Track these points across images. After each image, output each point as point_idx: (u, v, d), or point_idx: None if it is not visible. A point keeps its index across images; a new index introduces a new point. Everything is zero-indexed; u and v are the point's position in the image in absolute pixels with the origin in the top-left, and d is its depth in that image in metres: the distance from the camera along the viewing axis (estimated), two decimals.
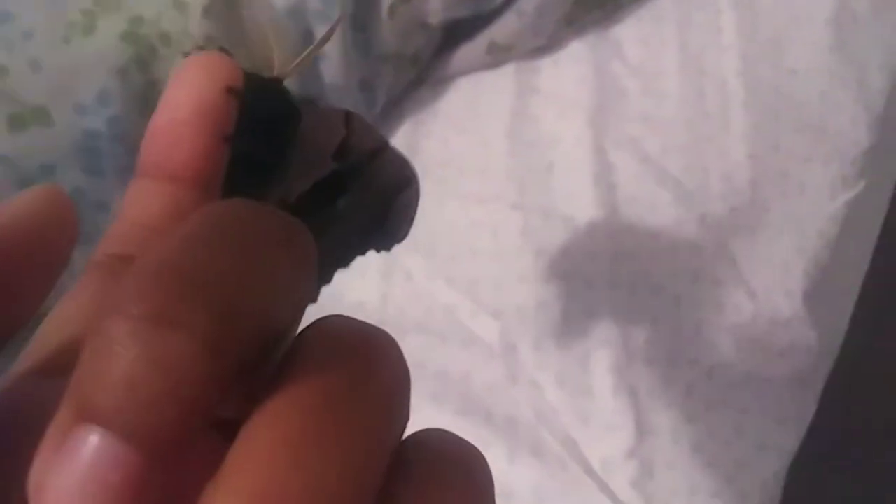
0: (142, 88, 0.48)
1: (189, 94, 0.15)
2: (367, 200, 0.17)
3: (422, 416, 0.50)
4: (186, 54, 0.16)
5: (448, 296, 0.54)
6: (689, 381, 0.54)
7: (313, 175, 0.16)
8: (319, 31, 0.54)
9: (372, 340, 0.14)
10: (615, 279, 0.55)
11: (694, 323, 0.55)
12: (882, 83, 0.68)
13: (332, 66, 0.56)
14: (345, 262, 0.17)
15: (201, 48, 0.16)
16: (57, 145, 0.46)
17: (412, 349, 0.52)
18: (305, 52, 0.20)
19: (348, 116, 0.17)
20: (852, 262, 0.67)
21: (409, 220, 0.18)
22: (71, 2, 0.49)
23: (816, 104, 0.67)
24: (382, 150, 0.17)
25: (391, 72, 0.61)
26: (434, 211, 0.58)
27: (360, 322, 0.14)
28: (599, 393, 0.51)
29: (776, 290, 0.58)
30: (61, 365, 0.14)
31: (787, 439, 0.56)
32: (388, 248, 0.18)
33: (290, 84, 0.19)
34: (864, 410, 0.96)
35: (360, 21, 0.56)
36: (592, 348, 0.52)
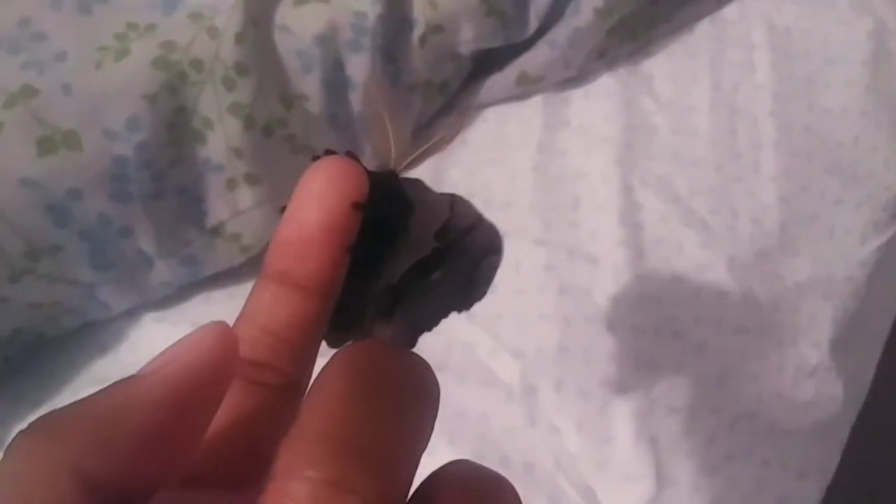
0: (171, 115, 0.48)
1: (318, 210, 0.16)
2: (459, 268, 0.18)
3: (437, 458, 0.50)
4: (315, 158, 0.16)
5: (469, 332, 0.54)
6: (712, 431, 0.53)
7: (415, 256, 0.17)
8: (350, 62, 0.54)
9: (499, 492, 0.16)
10: (638, 323, 0.54)
11: (718, 371, 0.54)
12: None
13: (362, 95, 0.55)
14: (431, 325, 0.18)
15: (329, 152, 0.16)
16: (85, 170, 0.46)
17: None
18: (424, 147, 0.21)
19: (453, 200, 0.18)
20: (880, 309, 0.65)
21: (488, 283, 0.19)
22: (104, 26, 0.49)
23: (849, 146, 0.66)
24: (478, 223, 0.18)
25: (420, 100, 0.60)
26: None
27: (486, 470, 0.16)
28: (619, 440, 0.50)
29: (802, 339, 0.57)
30: (207, 476, 0.16)
31: (809, 493, 0.55)
32: (468, 308, 0.19)
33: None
34: (886, 460, 0.94)
35: (391, 51, 0.56)
36: (613, 394, 0.51)
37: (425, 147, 0.18)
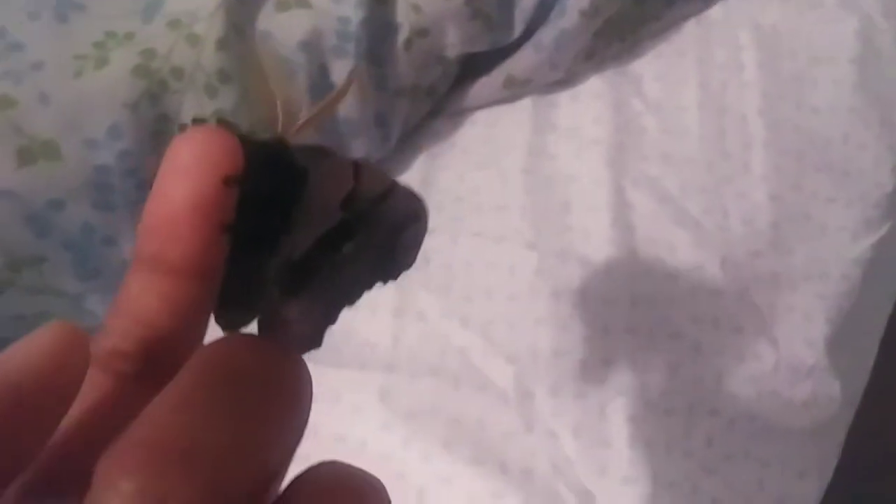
0: (153, 123, 0.47)
1: (184, 186, 0.14)
2: (374, 240, 0.17)
3: (434, 466, 0.49)
4: (182, 127, 0.15)
5: (462, 337, 0.53)
6: (709, 432, 0.52)
7: (318, 228, 0.16)
8: (335, 67, 0.53)
9: (368, 495, 0.14)
10: (633, 324, 0.53)
11: (715, 372, 0.53)
12: None
13: (347, 100, 0.55)
14: (351, 299, 0.17)
15: (197, 121, 0.15)
16: (66, 180, 0.45)
17: (424, 393, 0.51)
18: (314, 112, 0.19)
19: (356, 167, 0.16)
20: (875, 308, 0.65)
21: (415, 249, 0.17)
22: (82, 34, 0.49)
23: (839, 144, 0.65)
24: (390, 191, 0.17)
25: (407, 105, 0.60)
26: (448, 248, 0.57)
27: (353, 472, 0.14)
28: (617, 444, 0.49)
29: (798, 339, 0.57)
30: (58, 480, 0.15)
31: (809, 492, 0.54)
32: (394, 278, 0.18)
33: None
34: (876, 451, 0.93)
35: (376, 55, 0.55)
36: (610, 397, 0.51)
37: (316, 110, 0.17)
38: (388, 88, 0.58)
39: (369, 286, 0.17)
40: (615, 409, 0.50)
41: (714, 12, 0.71)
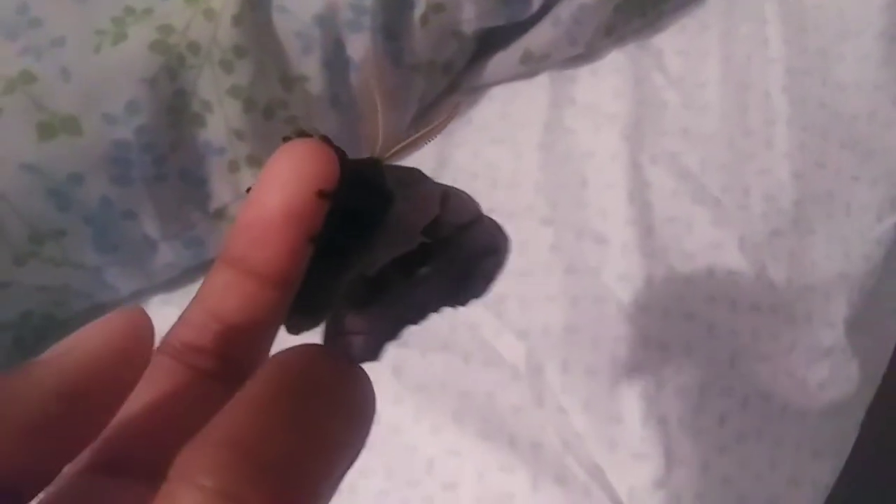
0: (170, 98, 0.48)
1: (280, 194, 0.15)
2: (451, 266, 0.17)
3: (443, 437, 0.50)
4: (286, 138, 0.15)
5: (472, 313, 0.53)
6: (723, 411, 0.52)
7: (397, 249, 0.16)
8: (350, 41, 0.53)
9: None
10: (648, 303, 0.53)
11: (729, 351, 0.53)
12: None
13: (363, 75, 0.55)
14: (417, 320, 0.18)
15: (300, 133, 0.16)
16: (85, 155, 0.46)
17: (436, 368, 0.52)
18: (415, 136, 0.20)
19: (445, 195, 0.17)
20: None
21: (490, 280, 0.18)
22: (100, 9, 0.49)
23: (865, 121, 0.64)
24: (475, 221, 0.18)
25: (423, 81, 0.59)
26: None
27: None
28: (628, 420, 0.49)
29: (817, 319, 0.56)
30: (124, 463, 0.15)
31: (823, 474, 0.54)
32: (462, 304, 0.18)
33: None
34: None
35: (392, 30, 0.55)
36: (622, 374, 0.51)
37: (416, 136, 0.17)
38: (404, 64, 0.57)
39: (437, 309, 0.18)
40: (626, 385, 0.50)
41: None
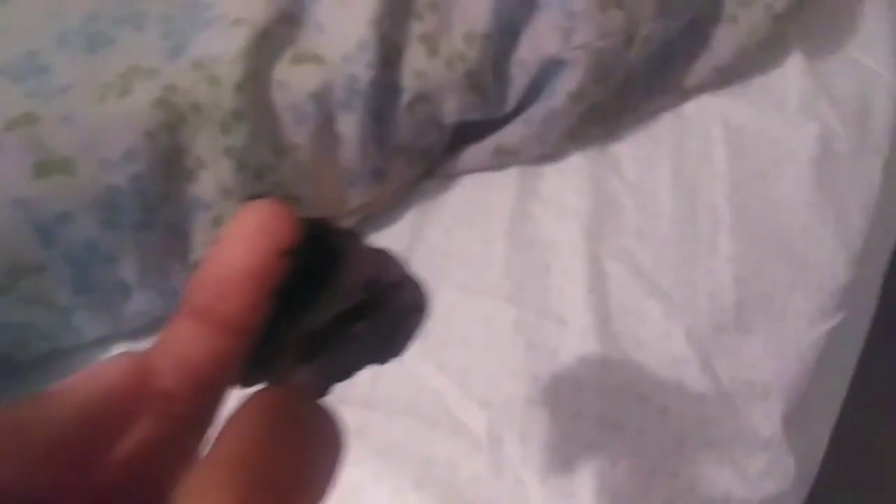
0: (168, 152, 0.50)
1: (244, 254, 0.16)
2: (381, 323, 0.18)
3: (404, 501, 0.50)
4: (245, 199, 0.17)
5: (438, 381, 0.55)
6: (670, 494, 0.54)
7: (341, 305, 0.17)
8: (341, 119, 0.57)
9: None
10: (604, 384, 0.56)
11: (678, 436, 0.56)
12: (861, 223, 0.72)
13: (350, 152, 0.58)
14: (344, 378, 0.19)
15: (260, 195, 0.17)
16: (78, 195, 0.48)
17: (399, 432, 0.52)
18: (365, 201, 0.22)
19: (383, 255, 0.18)
20: (830, 391, 0.68)
21: (411, 339, 0.19)
22: (109, 65, 0.52)
23: (799, 236, 0.70)
24: (406, 280, 0.19)
25: (403, 163, 0.63)
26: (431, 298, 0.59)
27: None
28: (581, 495, 0.51)
29: (756, 412, 0.59)
30: (102, 500, 0.16)
31: None
32: (384, 362, 0.19)
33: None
34: None
35: (379, 114, 0.59)
36: (578, 450, 0.52)
37: (363, 203, 0.19)
38: (387, 146, 0.61)
39: (363, 366, 0.19)
40: (582, 461, 0.52)
41: (688, 108, 0.77)
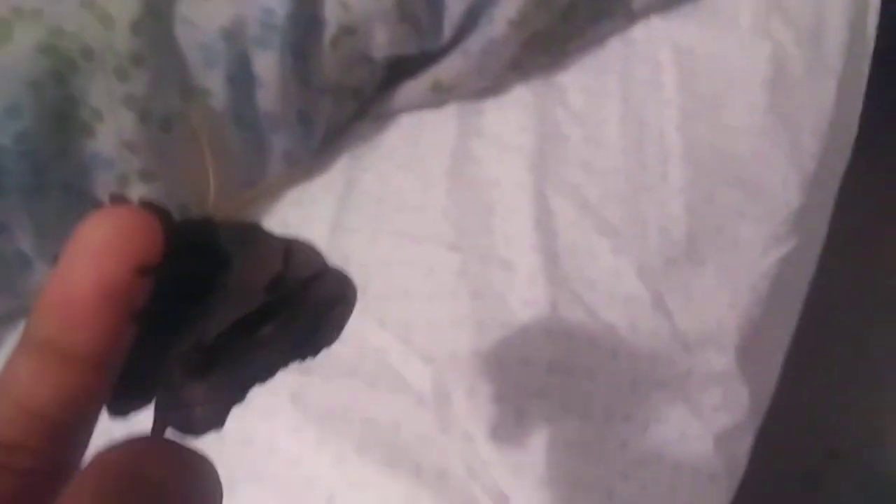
0: (57, 104, 0.45)
1: (92, 270, 0.13)
2: (297, 321, 0.17)
3: (346, 468, 0.47)
4: (97, 203, 0.13)
5: (379, 338, 0.52)
6: (624, 437, 0.52)
7: (237, 312, 0.15)
8: (257, 58, 0.52)
9: None
10: (552, 328, 0.54)
11: (630, 377, 0.54)
12: (814, 146, 0.70)
13: (269, 94, 0.53)
14: (264, 378, 0.17)
15: (115, 197, 0.14)
16: None
17: (339, 395, 0.50)
18: (252, 193, 0.19)
19: (287, 251, 0.16)
20: (783, 321, 0.67)
21: (339, 330, 0.18)
22: None
23: (750, 162, 0.68)
24: (321, 274, 0.17)
25: (331, 104, 0.59)
26: (366, 248, 0.56)
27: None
28: (533, 446, 0.49)
29: (709, 346, 0.58)
30: None
31: (719, 496, 0.55)
32: (314, 355, 0.18)
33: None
34: (779, 461, 0.97)
35: (301, 49, 0.54)
36: (527, 400, 0.50)
37: (253, 193, 0.16)
38: (313, 85, 0.57)
39: (285, 364, 0.17)
40: (533, 411, 0.50)
41: (636, 32, 0.73)
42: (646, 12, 0.73)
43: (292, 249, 0.16)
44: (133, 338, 0.14)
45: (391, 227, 0.57)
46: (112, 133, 0.46)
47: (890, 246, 1.16)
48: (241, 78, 0.52)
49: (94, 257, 0.13)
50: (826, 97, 0.73)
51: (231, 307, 0.15)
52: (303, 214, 0.57)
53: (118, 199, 0.14)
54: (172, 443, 0.14)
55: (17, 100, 0.43)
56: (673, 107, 0.69)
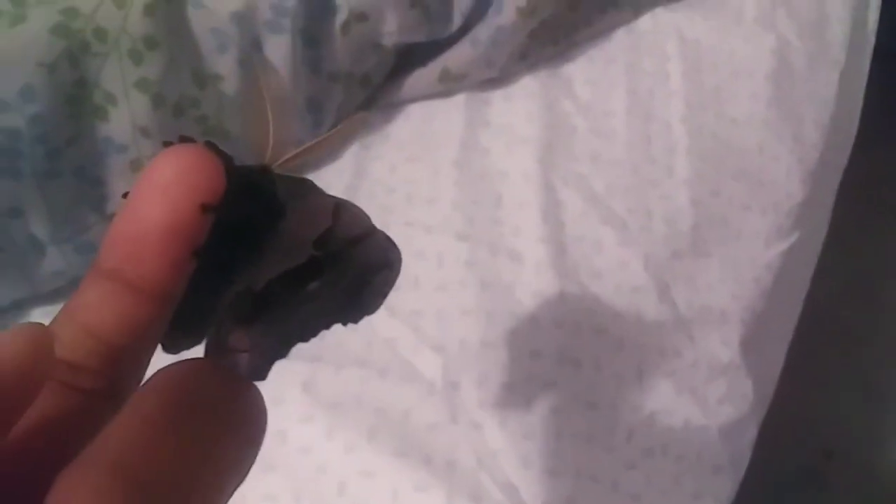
0: (70, 86, 0.44)
1: (160, 206, 0.14)
2: (343, 282, 0.17)
3: (357, 457, 0.48)
4: (167, 144, 0.14)
5: (389, 328, 0.52)
6: (631, 427, 0.53)
7: (286, 263, 0.15)
8: (269, 42, 0.52)
9: None
10: (561, 318, 0.54)
11: (636, 367, 0.54)
12: (816, 138, 0.70)
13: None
14: (306, 336, 0.17)
15: (183, 139, 0.14)
16: None
17: (349, 384, 0.50)
18: (309, 144, 0.19)
19: (337, 207, 0.16)
20: (786, 313, 0.68)
21: (382, 296, 0.18)
22: None
23: (755, 154, 0.69)
24: (367, 235, 0.17)
25: (341, 92, 0.58)
26: None
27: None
28: (541, 436, 0.49)
29: (714, 337, 0.59)
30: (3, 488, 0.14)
31: (723, 488, 0.56)
32: (355, 321, 0.18)
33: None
34: (776, 459, 0.98)
35: (312, 36, 0.54)
36: (536, 389, 0.51)
37: (310, 144, 0.16)
38: (322, 72, 0.56)
39: (328, 325, 0.17)
40: (541, 401, 0.50)
41: (643, 23, 0.73)
42: (652, 4, 0.73)
43: (341, 207, 0.16)
44: (190, 275, 0.15)
45: (401, 217, 0.57)
46: (126, 117, 0.46)
47: (888, 243, 1.17)
48: (253, 62, 0.51)
49: (164, 192, 0.14)
50: (828, 88, 0.73)
51: (281, 258, 0.15)
52: None
53: (185, 140, 0.14)
54: (226, 368, 0.15)
55: (30, 80, 0.43)
56: (679, 98, 0.69)
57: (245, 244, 0.15)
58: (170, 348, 0.16)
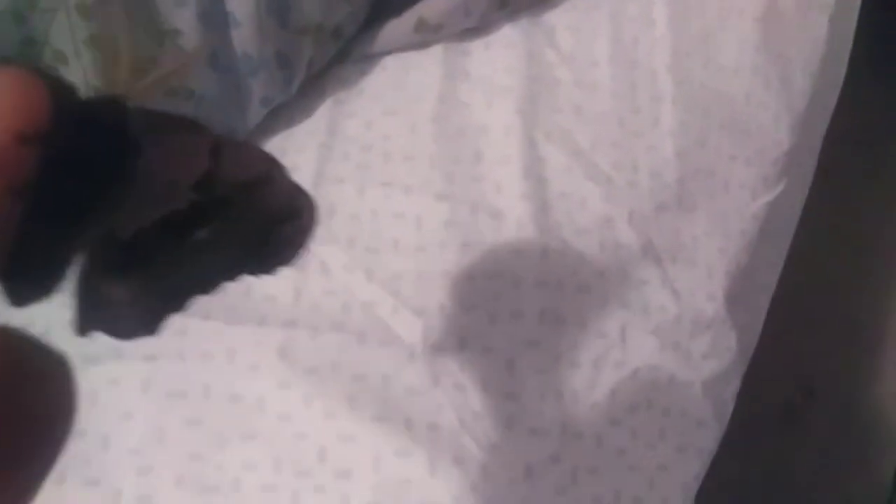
0: (16, 46, 0.42)
1: None
2: (240, 230, 0.16)
3: (336, 423, 0.47)
4: None
5: (367, 291, 0.50)
6: (614, 384, 0.52)
7: (161, 209, 0.14)
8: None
9: None
10: (543, 278, 0.53)
11: (620, 324, 0.54)
12: (805, 84, 0.68)
13: (245, 34, 0.50)
14: (206, 288, 0.16)
15: (3, 61, 0.13)
16: None
17: (327, 350, 0.49)
18: (161, 73, 0.17)
19: (216, 147, 0.15)
20: (769, 264, 0.67)
21: (294, 248, 0.17)
22: None
23: (742, 102, 0.67)
24: (264, 181, 0.16)
25: (311, 45, 0.56)
26: (354, 198, 0.54)
27: None
28: (525, 396, 0.49)
29: (699, 292, 0.58)
30: None
31: (707, 440, 0.56)
32: (267, 272, 0.17)
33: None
34: (756, 397, 0.98)
35: None
36: (518, 350, 0.50)
37: (166, 72, 0.14)
38: (291, 26, 0.54)
39: (232, 277, 0.16)
40: (523, 361, 0.50)
41: None
42: None
43: (224, 147, 0.15)
44: (22, 216, 0.13)
45: (378, 177, 0.55)
46: (78, 77, 0.43)
47: (868, 193, 1.16)
48: (214, 17, 0.48)
49: None
50: (817, 32, 0.71)
51: (152, 202, 0.14)
52: (285, 163, 0.55)
53: (2, 61, 0.13)
54: (20, 335, 0.12)
55: None
56: (665, 45, 0.66)
57: (95, 183, 0.14)
58: (15, 301, 0.14)
